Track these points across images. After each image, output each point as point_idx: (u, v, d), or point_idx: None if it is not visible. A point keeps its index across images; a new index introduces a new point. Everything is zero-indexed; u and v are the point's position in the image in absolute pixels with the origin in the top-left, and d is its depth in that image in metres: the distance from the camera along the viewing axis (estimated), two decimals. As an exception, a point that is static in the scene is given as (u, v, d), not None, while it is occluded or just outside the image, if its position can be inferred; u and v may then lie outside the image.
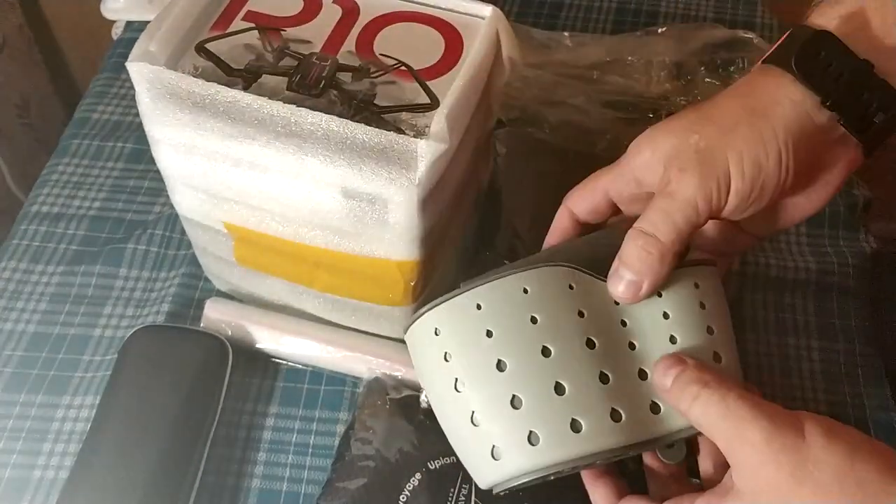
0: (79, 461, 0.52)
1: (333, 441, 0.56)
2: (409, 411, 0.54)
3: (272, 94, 0.45)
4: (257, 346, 0.59)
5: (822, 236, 0.68)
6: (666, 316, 0.41)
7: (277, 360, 0.60)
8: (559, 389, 0.38)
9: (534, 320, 0.39)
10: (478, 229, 0.63)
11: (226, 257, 0.57)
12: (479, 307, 0.39)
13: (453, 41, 0.50)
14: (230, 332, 0.58)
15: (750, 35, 0.76)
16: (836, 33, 0.40)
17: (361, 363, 0.57)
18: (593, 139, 0.70)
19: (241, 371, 0.59)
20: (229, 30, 0.50)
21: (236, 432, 0.57)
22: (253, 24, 0.50)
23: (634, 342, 0.41)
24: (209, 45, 0.48)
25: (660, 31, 0.78)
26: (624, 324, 0.41)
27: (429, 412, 0.53)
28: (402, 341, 0.59)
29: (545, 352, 0.39)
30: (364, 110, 0.46)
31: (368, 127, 0.44)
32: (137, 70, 0.46)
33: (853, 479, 0.33)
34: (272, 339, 0.58)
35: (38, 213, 0.68)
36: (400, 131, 0.44)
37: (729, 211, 0.40)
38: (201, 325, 0.59)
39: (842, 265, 0.66)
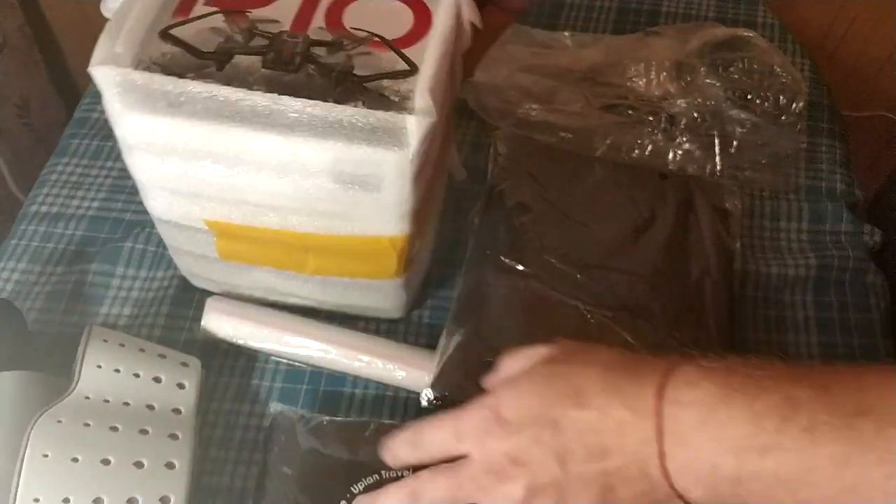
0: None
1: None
2: (323, 439, 0.52)
3: (248, 74, 0.44)
4: (257, 345, 0.59)
5: (823, 232, 0.68)
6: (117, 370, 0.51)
7: (277, 360, 0.60)
8: None
9: None
10: (478, 229, 0.63)
11: (207, 254, 0.56)
12: None
13: (420, 11, 0.50)
14: (231, 332, 0.58)
15: (750, 33, 0.76)
16: None
17: (362, 363, 0.57)
18: (594, 143, 0.70)
19: (239, 371, 0.59)
20: (192, 15, 0.48)
21: (233, 433, 0.56)
22: (217, 9, 0.48)
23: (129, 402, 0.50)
24: (174, 31, 0.47)
25: (659, 31, 0.78)
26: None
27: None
28: (404, 341, 0.60)
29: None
30: (345, 80, 0.45)
31: (355, 108, 0.43)
32: (104, 74, 0.44)
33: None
34: (272, 338, 0.58)
35: (37, 213, 0.68)
36: (384, 98, 0.44)
37: None
38: (202, 324, 0.59)
39: (842, 258, 0.65)
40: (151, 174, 0.50)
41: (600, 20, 0.84)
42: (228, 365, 0.59)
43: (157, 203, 0.52)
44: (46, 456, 0.45)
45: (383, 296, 0.58)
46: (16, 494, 0.44)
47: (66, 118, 0.78)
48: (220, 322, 0.59)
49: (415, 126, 0.44)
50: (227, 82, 0.44)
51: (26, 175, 1.09)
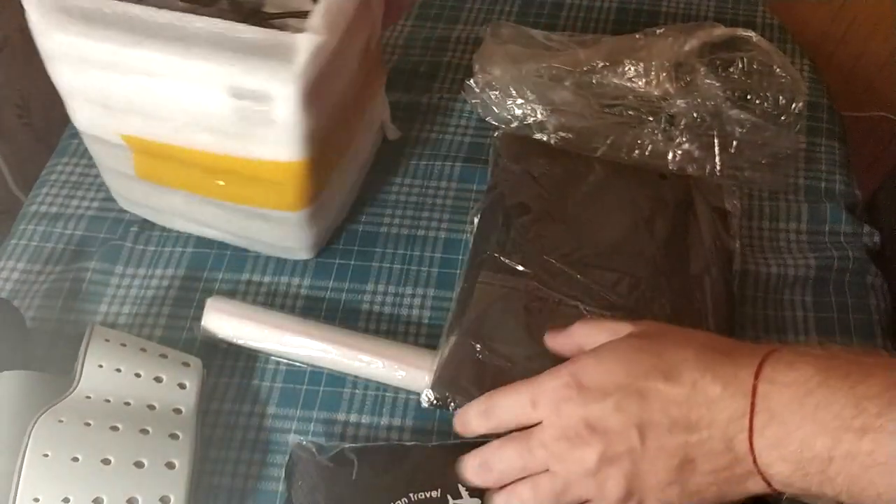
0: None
1: (330, 441, 0.56)
2: (346, 468, 0.51)
3: (166, 7, 0.48)
4: (257, 345, 0.59)
5: (822, 233, 0.68)
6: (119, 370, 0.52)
7: (277, 360, 0.60)
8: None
9: None
10: (478, 229, 0.63)
11: (127, 172, 0.59)
12: None
13: None
14: (231, 332, 0.58)
15: (749, 33, 0.76)
16: None
17: (362, 363, 0.57)
18: (594, 143, 0.71)
19: (239, 372, 0.59)
20: None
21: (233, 433, 0.57)
22: None
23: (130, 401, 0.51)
24: None
25: (658, 31, 0.78)
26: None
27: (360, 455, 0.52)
28: (404, 340, 0.60)
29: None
30: (253, 17, 0.49)
31: (252, 27, 0.46)
32: None
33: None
34: (272, 338, 0.58)
35: (37, 213, 0.68)
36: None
37: None
38: (202, 324, 0.59)
39: (842, 259, 0.65)
40: (71, 84, 0.54)
41: (600, 20, 0.85)
42: (228, 365, 0.59)
43: (81, 115, 0.56)
44: (47, 455, 0.46)
45: (285, 231, 0.60)
46: (16, 493, 0.44)
47: (66, 118, 0.78)
48: (220, 322, 0.59)
49: (304, 43, 0.46)
50: None
51: (26, 175, 1.09)
